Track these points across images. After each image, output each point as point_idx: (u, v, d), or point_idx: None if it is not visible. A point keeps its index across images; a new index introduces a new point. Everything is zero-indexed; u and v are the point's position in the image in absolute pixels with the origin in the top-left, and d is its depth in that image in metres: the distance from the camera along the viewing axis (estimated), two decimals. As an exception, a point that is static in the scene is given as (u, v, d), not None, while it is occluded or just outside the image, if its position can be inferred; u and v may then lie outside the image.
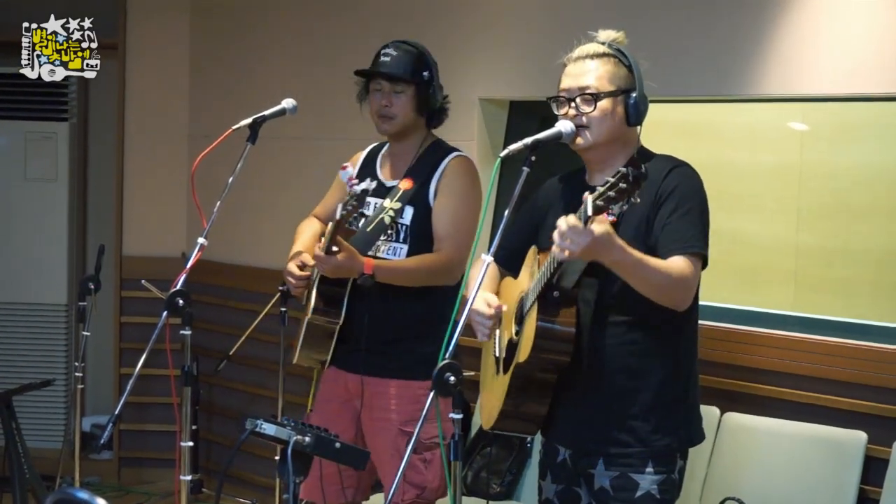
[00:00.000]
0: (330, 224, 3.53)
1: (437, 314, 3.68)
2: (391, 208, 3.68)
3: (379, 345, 3.69)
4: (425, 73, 3.75)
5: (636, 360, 2.96)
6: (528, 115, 4.93)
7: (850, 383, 3.85)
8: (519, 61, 4.79)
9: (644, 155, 3.01)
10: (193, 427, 3.43)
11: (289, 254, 3.85)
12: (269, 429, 2.74)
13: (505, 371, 3.06)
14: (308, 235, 3.92)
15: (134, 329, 6.24)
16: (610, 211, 2.62)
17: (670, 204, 2.90)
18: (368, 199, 3.68)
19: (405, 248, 3.70)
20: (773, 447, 3.90)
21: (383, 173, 3.85)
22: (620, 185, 2.56)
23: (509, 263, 3.17)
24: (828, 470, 3.78)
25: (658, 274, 2.80)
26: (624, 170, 2.55)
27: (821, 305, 4.41)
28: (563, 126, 2.96)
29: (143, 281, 5.17)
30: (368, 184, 3.44)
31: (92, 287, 4.53)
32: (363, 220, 3.73)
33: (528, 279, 3.01)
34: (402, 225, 3.70)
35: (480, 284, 2.87)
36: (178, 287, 3.43)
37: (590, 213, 2.60)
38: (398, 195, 3.71)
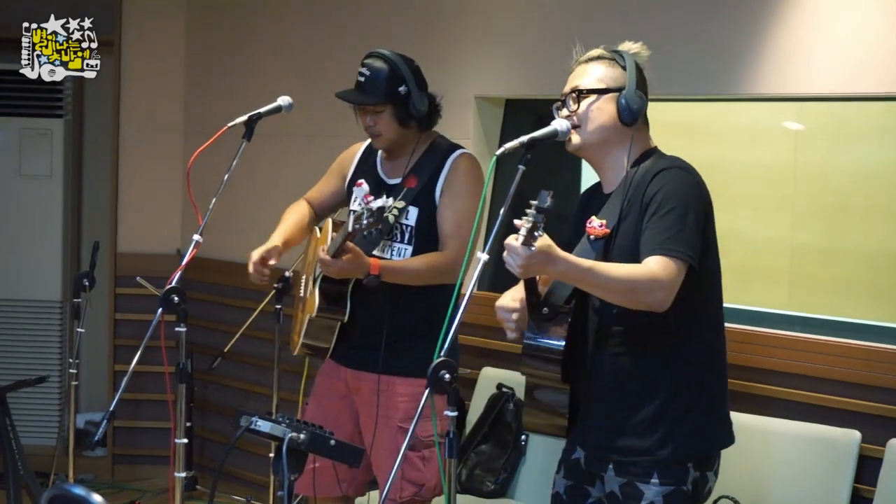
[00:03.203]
0: (338, 233, 3.50)
1: (442, 313, 3.67)
2: (395, 207, 3.65)
3: (387, 343, 3.66)
4: (401, 89, 3.67)
5: (639, 370, 2.95)
6: (524, 113, 4.93)
7: (845, 382, 3.85)
8: (515, 59, 4.79)
9: (646, 156, 3.00)
10: (188, 424, 3.44)
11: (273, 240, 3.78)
12: (263, 426, 2.74)
13: None
14: (292, 223, 3.86)
15: (128, 326, 6.23)
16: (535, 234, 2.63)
17: (652, 208, 2.86)
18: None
19: (410, 249, 3.68)
20: (767, 445, 3.90)
21: (384, 170, 3.82)
22: (528, 222, 2.60)
23: None
24: (822, 468, 3.78)
25: (614, 279, 2.77)
26: (529, 209, 2.59)
27: (816, 304, 4.42)
28: (559, 124, 2.96)
29: (137, 278, 5.16)
30: (385, 200, 3.29)
31: (86, 284, 4.53)
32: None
33: None
34: (407, 226, 3.68)
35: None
36: (174, 284, 3.43)
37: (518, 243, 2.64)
38: (402, 193, 3.69)
